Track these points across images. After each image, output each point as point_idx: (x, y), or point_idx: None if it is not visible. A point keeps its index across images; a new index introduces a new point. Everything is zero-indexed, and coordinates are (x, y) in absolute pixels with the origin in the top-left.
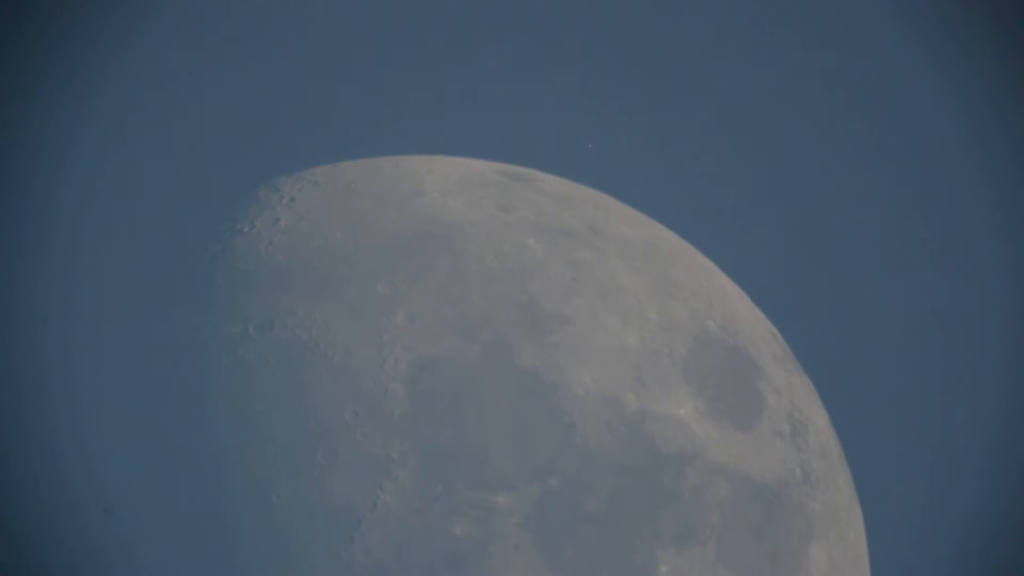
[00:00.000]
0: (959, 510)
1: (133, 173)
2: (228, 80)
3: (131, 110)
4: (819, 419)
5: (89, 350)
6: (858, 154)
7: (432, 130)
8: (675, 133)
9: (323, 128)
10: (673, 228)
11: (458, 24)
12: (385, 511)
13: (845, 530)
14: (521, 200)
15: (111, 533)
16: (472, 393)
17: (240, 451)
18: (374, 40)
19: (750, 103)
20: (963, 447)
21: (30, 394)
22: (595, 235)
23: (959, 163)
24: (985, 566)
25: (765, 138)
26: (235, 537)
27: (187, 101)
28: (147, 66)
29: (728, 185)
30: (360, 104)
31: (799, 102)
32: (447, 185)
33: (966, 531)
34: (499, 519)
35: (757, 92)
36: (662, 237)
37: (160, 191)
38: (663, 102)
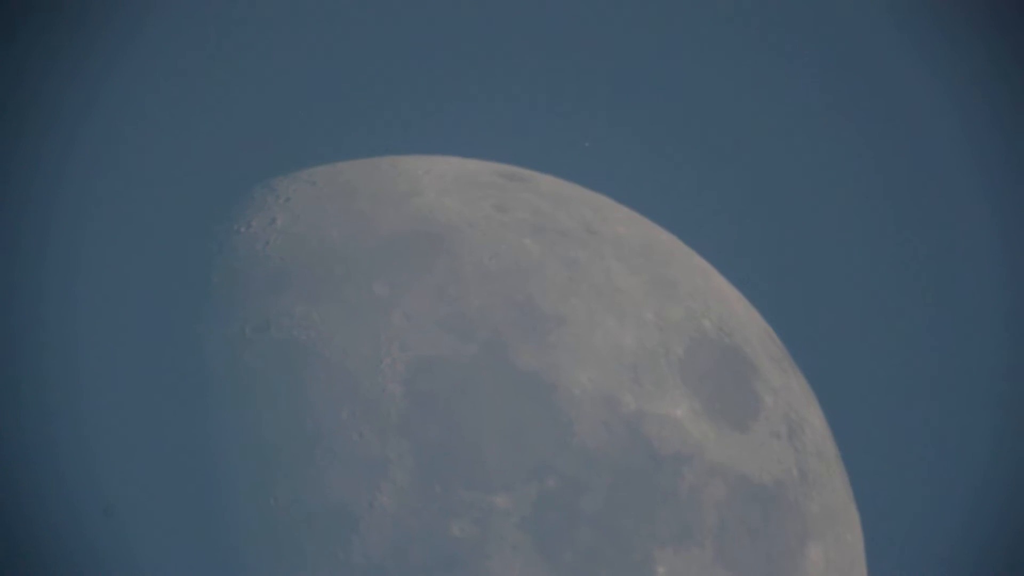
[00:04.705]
0: (956, 510)
1: (130, 173)
2: (225, 80)
3: (128, 110)
4: (815, 420)
5: (87, 350)
6: (855, 155)
7: (429, 130)
8: (671, 133)
9: (320, 128)
10: (669, 228)
11: (455, 24)
12: (382, 511)
13: (842, 531)
14: (518, 200)
15: (111, 533)
16: (469, 393)
17: (237, 452)
18: (371, 40)
19: (747, 104)
20: (960, 447)
21: (29, 394)
22: (591, 235)
23: (956, 163)
24: (983, 567)
25: (762, 139)
26: (232, 537)
27: (184, 101)
28: (144, 66)
29: (725, 186)
30: (357, 104)
31: (796, 103)
32: (444, 185)
33: (963, 532)
34: (497, 519)
35: (754, 93)
36: (658, 237)
37: (156, 191)
38: (659, 102)
